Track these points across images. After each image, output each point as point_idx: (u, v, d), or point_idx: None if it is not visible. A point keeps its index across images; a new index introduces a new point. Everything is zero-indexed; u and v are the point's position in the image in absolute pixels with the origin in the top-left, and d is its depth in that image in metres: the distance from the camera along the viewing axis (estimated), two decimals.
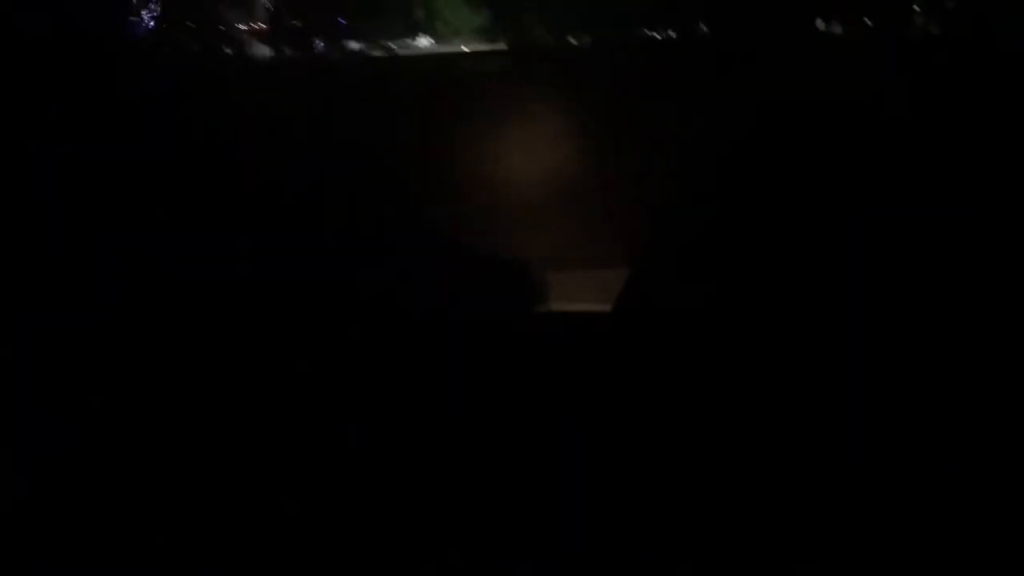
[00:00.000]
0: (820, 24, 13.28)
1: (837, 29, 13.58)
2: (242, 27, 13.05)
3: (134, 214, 5.01)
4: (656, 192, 6.76)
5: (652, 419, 3.62)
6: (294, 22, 12.76)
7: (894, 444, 3.35)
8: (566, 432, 3.55)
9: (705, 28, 13.40)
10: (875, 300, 4.73)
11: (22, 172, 4.54)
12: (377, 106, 9.74)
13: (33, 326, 3.59)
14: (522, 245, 6.17)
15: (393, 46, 13.13)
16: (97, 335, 3.84)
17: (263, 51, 12.54)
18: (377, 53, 12.68)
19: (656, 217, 6.28)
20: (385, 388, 3.89)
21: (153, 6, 12.53)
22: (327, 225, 5.95)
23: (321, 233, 5.76)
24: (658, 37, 13.02)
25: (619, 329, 4.78)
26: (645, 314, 4.94)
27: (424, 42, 13.29)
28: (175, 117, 6.59)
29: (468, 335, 4.57)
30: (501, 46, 13.16)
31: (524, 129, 9.07)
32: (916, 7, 13.06)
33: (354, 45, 12.89)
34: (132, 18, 11.88)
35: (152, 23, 12.58)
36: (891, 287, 4.81)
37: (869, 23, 12.91)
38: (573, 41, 13.42)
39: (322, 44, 12.64)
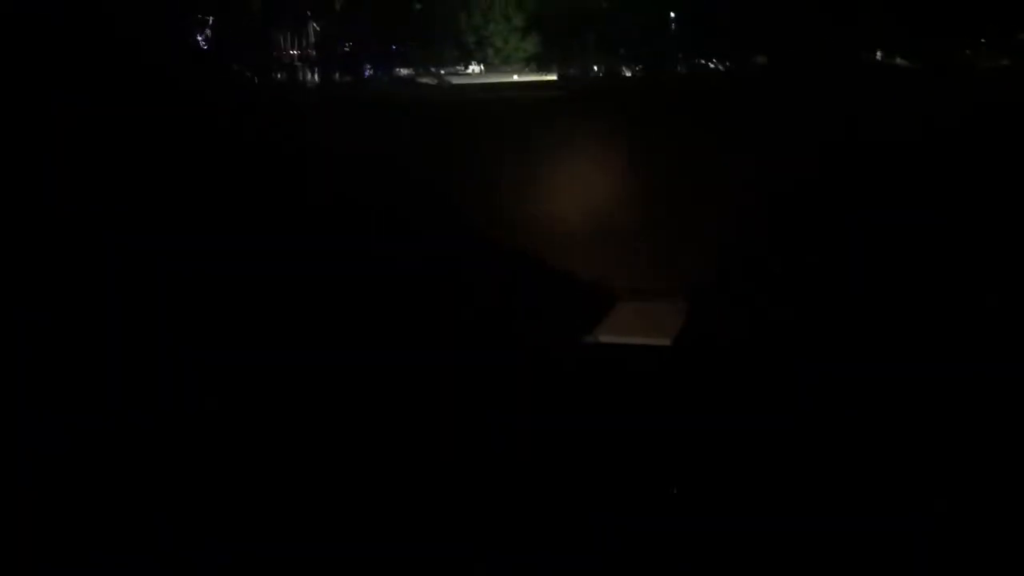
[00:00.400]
0: (879, 56, 13.14)
1: (902, 62, 13.41)
2: (293, 52, 13.31)
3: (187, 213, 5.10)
4: (711, 222, 6.66)
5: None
6: (345, 48, 12.97)
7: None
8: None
9: (763, 59, 13.34)
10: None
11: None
12: (424, 131, 9.82)
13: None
14: (573, 273, 6.11)
15: (443, 73, 13.28)
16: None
17: (313, 76, 12.79)
18: (426, 80, 12.84)
19: (712, 247, 6.18)
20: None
21: (207, 31, 12.83)
22: (364, 233, 5.97)
23: (360, 240, 5.80)
24: (713, 67, 12.98)
25: (675, 362, 4.69)
26: (699, 347, 4.84)
27: (475, 69, 13.44)
28: (228, 134, 6.68)
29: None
30: (552, 75, 13.24)
31: (575, 159, 9.03)
32: (983, 39, 12.83)
33: (404, 72, 13.06)
34: (187, 42, 12.20)
35: (206, 47, 12.89)
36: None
37: (935, 55, 12.70)
38: (626, 71, 13.45)
39: (371, 70, 12.83)
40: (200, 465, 3.28)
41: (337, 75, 11.72)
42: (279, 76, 11.41)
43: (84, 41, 4.78)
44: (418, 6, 11.80)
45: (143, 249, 3.84)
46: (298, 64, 11.63)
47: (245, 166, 5.19)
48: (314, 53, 11.59)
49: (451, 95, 11.65)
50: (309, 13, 11.51)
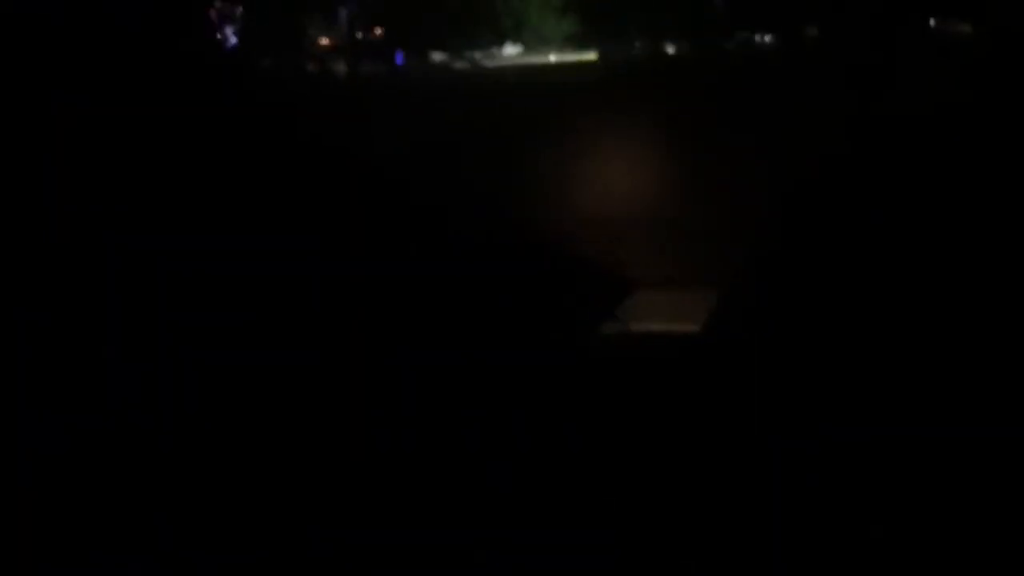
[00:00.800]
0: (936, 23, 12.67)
1: (964, 28, 12.98)
2: (324, 41, 13.35)
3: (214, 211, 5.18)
4: (754, 206, 6.57)
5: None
6: (375, 35, 12.97)
7: None
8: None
9: (815, 31, 13.01)
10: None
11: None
12: (459, 117, 9.80)
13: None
14: (608, 261, 6.09)
15: (478, 56, 13.17)
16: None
17: (343, 65, 12.81)
18: (460, 65, 12.76)
19: (752, 234, 6.10)
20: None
21: (236, 25, 12.93)
22: (404, 230, 5.99)
23: (395, 237, 5.81)
24: (760, 40, 12.69)
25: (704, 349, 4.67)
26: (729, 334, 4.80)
27: (512, 51, 13.29)
28: (260, 127, 6.77)
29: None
30: (592, 55, 13.05)
31: (615, 143, 8.95)
32: None
33: (437, 57, 13.01)
34: (216, 34, 12.32)
35: (235, 39, 13.02)
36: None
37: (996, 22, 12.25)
38: (670, 49, 13.21)
39: (403, 56, 12.80)
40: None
41: (370, 64, 11.75)
42: (308, 67, 11.50)
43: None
44: None
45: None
46: (328, 55, 11.70)
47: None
48: (346, 41, 11.64)
49: (481, 80, 11.64)
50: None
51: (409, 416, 3.64)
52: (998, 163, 6.59)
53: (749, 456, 3.33)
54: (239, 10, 12.13)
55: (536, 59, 12.24)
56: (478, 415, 3.67)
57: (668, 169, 7.91)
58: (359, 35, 11.58)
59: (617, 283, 5.70)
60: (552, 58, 12.00)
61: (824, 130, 8.00)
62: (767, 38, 11.64)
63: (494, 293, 5.09)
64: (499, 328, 4.63)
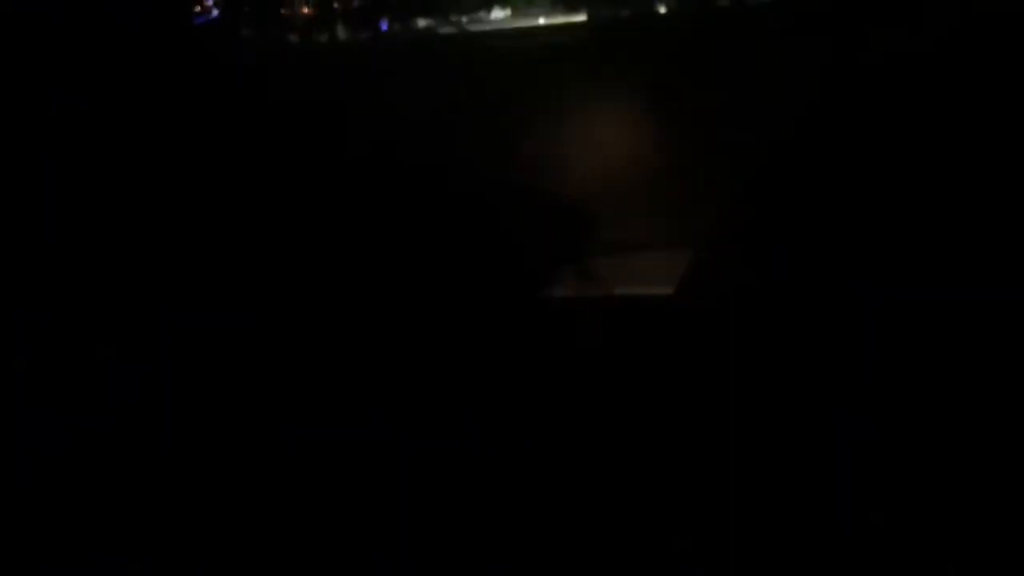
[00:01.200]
0: None
1: None
2: (305, 11, 13.29)
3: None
4: (736, 170, 6.67)
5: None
6: (357, 2, 12.90)
7: None
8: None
9: None
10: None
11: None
12: (446, 83, 9.78)
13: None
14: (595, 225, 6.20)
15: (465, 21, 13.12)
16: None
17: (328, 35, 12.76)
18: (447, 30, 12.72)
19: (736, 197, 6.19)
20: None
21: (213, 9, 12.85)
22: (402, 206, 6.08)
23: (397, 213, 5.89)
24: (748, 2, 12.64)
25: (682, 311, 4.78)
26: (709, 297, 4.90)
27: (499, 15, 13.26)
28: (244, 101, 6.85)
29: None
30: (580, 17, 13.00)
31: (602, 106, 8.99)
32: None
33: (423, 22, 12.96)
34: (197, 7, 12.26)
35: (217, 11, 12.93)
36: None
37: None
38: (660, 9, 13.17)
39: (387, 23, 12.75)
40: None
41: (354, 31, 11.70)
42: (291, 37, 11.44)
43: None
44: None
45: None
46: (310, 24, 11.63)
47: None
48: (326, 10, 11.58)
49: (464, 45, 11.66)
50: None
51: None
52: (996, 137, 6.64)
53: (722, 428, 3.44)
54: None
55: (524, 23, 12.22)
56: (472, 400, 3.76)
57: (654, 131, 8.02)
58: (336, 4, 11.52)
59: (602, 246, 5.83)
60: (541, 20, 11.98)
61: (813, 91, 8.08)
62: None
63: (474, 255, 5.18)
64: (478, 293, 4.72)
